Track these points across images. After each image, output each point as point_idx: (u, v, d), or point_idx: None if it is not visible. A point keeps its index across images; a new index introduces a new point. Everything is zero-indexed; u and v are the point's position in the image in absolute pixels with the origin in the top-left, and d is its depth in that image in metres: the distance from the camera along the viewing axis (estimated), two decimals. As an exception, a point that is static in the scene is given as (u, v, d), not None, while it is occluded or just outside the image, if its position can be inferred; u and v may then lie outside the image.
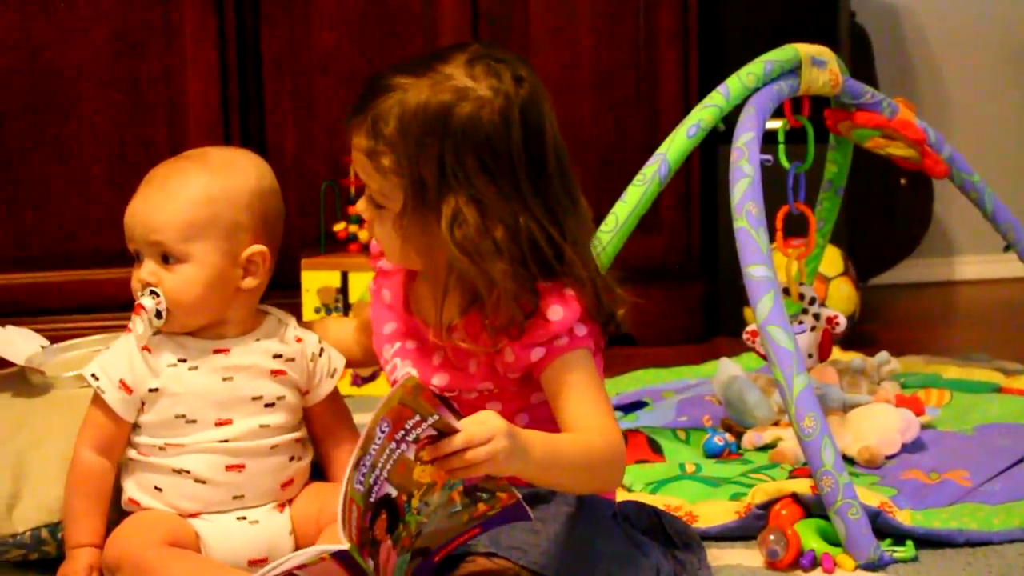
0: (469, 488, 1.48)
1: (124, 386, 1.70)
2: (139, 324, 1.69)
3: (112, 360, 1.71)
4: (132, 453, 1.72)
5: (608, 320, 1.61)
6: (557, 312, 1.57)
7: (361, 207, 1.64)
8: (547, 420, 1.60)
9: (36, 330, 2.15)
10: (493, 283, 1.54)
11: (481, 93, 1.55)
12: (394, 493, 1.43)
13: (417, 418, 1.41)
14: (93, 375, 1.70)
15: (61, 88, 2.73)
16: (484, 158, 1.54)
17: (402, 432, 1.41)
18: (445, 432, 1.43)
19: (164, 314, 1.68)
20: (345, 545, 1.38)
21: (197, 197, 1.68)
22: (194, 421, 1.70)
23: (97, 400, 1.71)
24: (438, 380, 1.63)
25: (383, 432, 1.39)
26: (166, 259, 1.69)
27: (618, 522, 1.67)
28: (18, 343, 2.08)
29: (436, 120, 1.54)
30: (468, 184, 1.54)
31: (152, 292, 1.69)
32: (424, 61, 1.58)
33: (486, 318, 1.57)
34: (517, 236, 1.55)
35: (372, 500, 1.42)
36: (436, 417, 1.41)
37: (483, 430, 1.43)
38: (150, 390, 1.70)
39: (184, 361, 1.70)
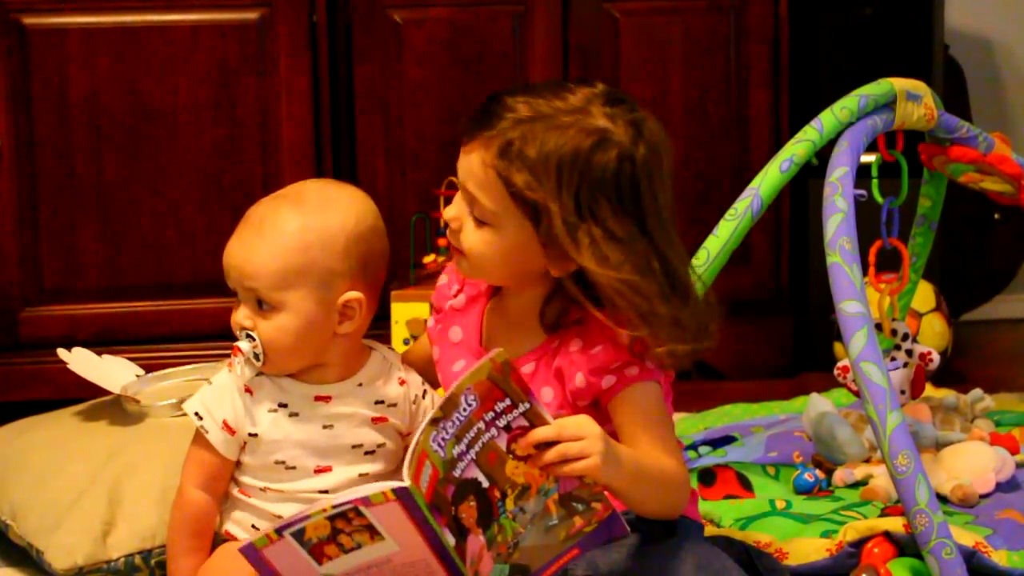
0: (564, 497, 1.49)
1: (227, 427, 1.68)
2: (238, 366, 1.69)
3: (215, 399, 1.69)
4: (234, 491, 1.71)
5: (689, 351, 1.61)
6: (626, 338, 1.58)
7: (454, 214, 1.62)
8: None
9: (131, 359, 2.18)
10: (649, 313, 1.56)
11: (620, 139, 1.58)
12: (485, 483, 1.44)
13: (508, 402, 1.43)
14: (197, 414, 1.69)
15: (157, 120, 2.77)
16: (619, 202, 1.57)
17: (492, 414, 1.42)
18: (537, 425, 1.44)
19: (262, 357, 1.67)
20: (406, 483, 1.38)
21: (292, 244, 1.64)
22: (293, 468, 1.69)
23: (200, 439, 1.70)
24: None
25: (469, 405, 1.40)
26: (261, 304, 1.66)
27: (709, 541, 1.68)
28: (114, 372, 2.11)
29: (578, 158, 1.56)
30: (601, 223, 1.56)
31: (248, 335, 1.67)
32: (556, 92, 1.59)
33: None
34: (646, 274, 1.57)
35: (456, 475, 1.42)
36: (528, 405, 1.43)
37: (576, 427, 1.46)
38: (250, 434, 1.69)
39: (284, 407, 1.69)
